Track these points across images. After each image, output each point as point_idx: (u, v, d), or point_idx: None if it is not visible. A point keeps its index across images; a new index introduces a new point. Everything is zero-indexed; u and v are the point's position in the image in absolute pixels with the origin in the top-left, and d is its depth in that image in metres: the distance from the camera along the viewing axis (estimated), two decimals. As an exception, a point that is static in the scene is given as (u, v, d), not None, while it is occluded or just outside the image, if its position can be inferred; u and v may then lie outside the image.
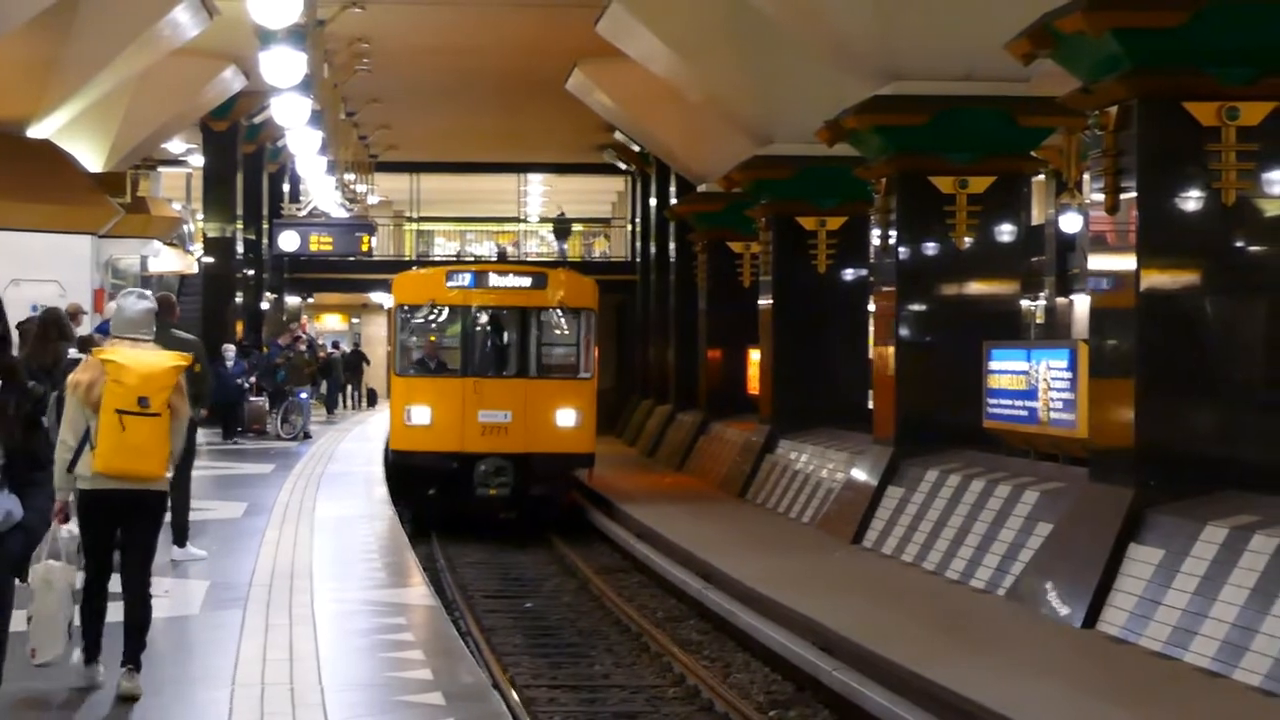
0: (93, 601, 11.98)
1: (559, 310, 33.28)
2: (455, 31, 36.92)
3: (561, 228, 70.91)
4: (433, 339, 34.11)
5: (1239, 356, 18.46)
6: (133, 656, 11.73)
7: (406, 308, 33.45)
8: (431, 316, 33.87)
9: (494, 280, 32.99)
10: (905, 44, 24.50)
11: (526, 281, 33.34)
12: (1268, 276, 18.42)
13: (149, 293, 13.14)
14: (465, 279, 33.04)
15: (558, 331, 34.11)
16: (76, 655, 11.74)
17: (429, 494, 31.76)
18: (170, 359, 12.08)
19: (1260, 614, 15.25)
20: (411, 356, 33.45)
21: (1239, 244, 18.28)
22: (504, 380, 32.31)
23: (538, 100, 44.50)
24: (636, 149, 53.73)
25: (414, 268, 49.12)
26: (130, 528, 11.93)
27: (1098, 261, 19.97)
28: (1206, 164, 17.95)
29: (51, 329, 15.47)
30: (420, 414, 31.84)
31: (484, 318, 32.74)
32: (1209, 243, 18.27)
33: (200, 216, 52.67)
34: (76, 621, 11.60)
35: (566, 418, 32.21)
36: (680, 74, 33.41)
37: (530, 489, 31.78)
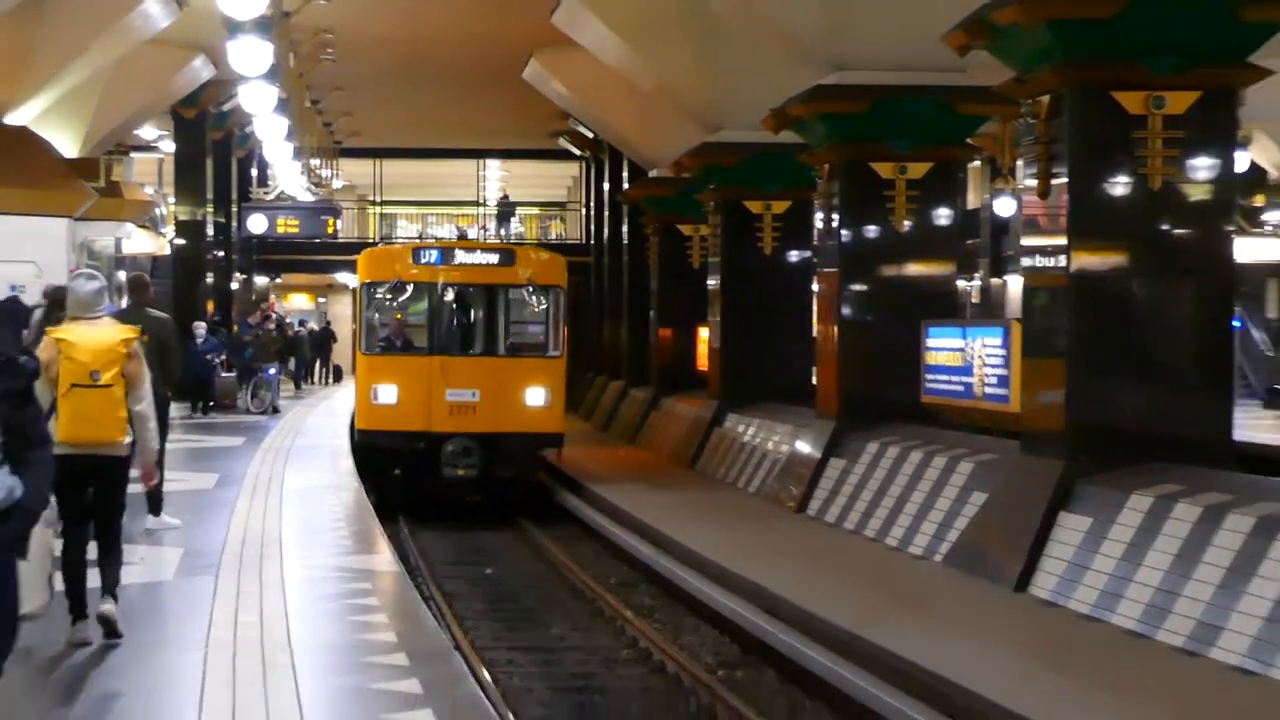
0: (72, 562, 12.21)
1: (528, 288, 31.03)
2: (416, 22, 36.87)
3: (504, 211, 70.60)
4: (399, 317, 31.76)
5: (1165, 336, 18.57)
6: (109, 588, 12.34)
7: (372, 285, 31.00)
8: (398, 294, 31.21)
9: (461, 257, 30.77)
10: (848, 35, 24.56)
11: (494, 258, 31.43)
12: (1193, 260, 18.54)
13: (98, 274, 13.63)
14: (432, 255, 30.80)
15: (526, 309, 31.86)
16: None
17: (394, 474, 29.78)
18: (119, 333, 12.62)
19: (1182, 578, 15.38)
20: (378, 335, 31.24)
21: (1165, 228, 18.38)
22: (471, 359, 30.18)
23: (496, 88, 44.44)
24: (590, 136, 53.69)
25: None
26: (98, 490, 12.21)
27: (1030, 244, 20.05)
28: (1134, 151, 18.04)
29: (55, 307, 15.69)
30: (386, 393, 29.76)
31: (451, 295, 30.32)
32: (1136, 227, 18.37)
33: (171, 200, 52.50)
34: (59, 585, 11.74)
35: (535, 397, 30.03)
36: (632, 64, 33.41)
37: (498, 470, 29.68)
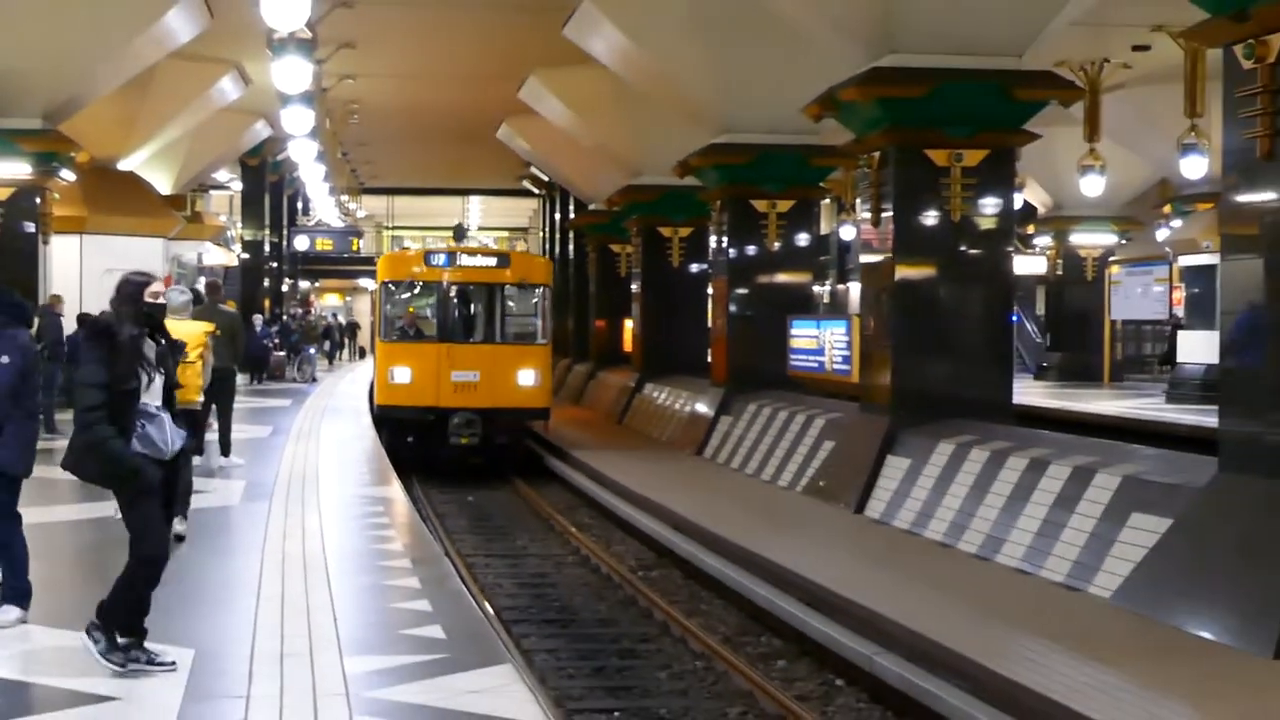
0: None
1: (520, 286, 28.35)
2: (420, 96, 36.72)
3: (459, 232, 70.40)
4: (412, 310, 29.24)
5: (963, 327, 18.61)
6: (182, 511, 12.33)
7: (390, 283, 28.46)
8: (411, 290, 29.13)
9: (465, 260, 27.88)
10: (734, 105, 24.56)
11: (493, 261, 28.36)
12: (982, 271, 18.60)
13: (187, 289, 15.16)
14: (441, 258, 27.81)
15: (519, 304, 28.95)
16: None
17: (408, 441, 27.13)
18: (201, 328, 14.35)
19: (976, 503, 15.44)
20: (394, 325, 28.42)
21: (963, 248, 18.41)
22: (473, 345, 27.31)
23: (477, 144, 44.22)
24: (546, 179, 53.46)
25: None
26: (185, 430, 12.24)
27: (866, 260, 20.09)
28: (940, 193, 18.08)
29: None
30: (402, 374, 27.10)
31: (456, 292, 27.64)
32: (942, 248, 18.40)
33: (239, 225, 52.29)
34: None
35: (526, 377, 27.30)
36: (577, 128, 33.42)
37: (495, 439, 27.15)
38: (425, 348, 27.40)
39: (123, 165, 33.12)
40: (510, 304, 28.54)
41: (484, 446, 27.06)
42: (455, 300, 27.71)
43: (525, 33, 27.17)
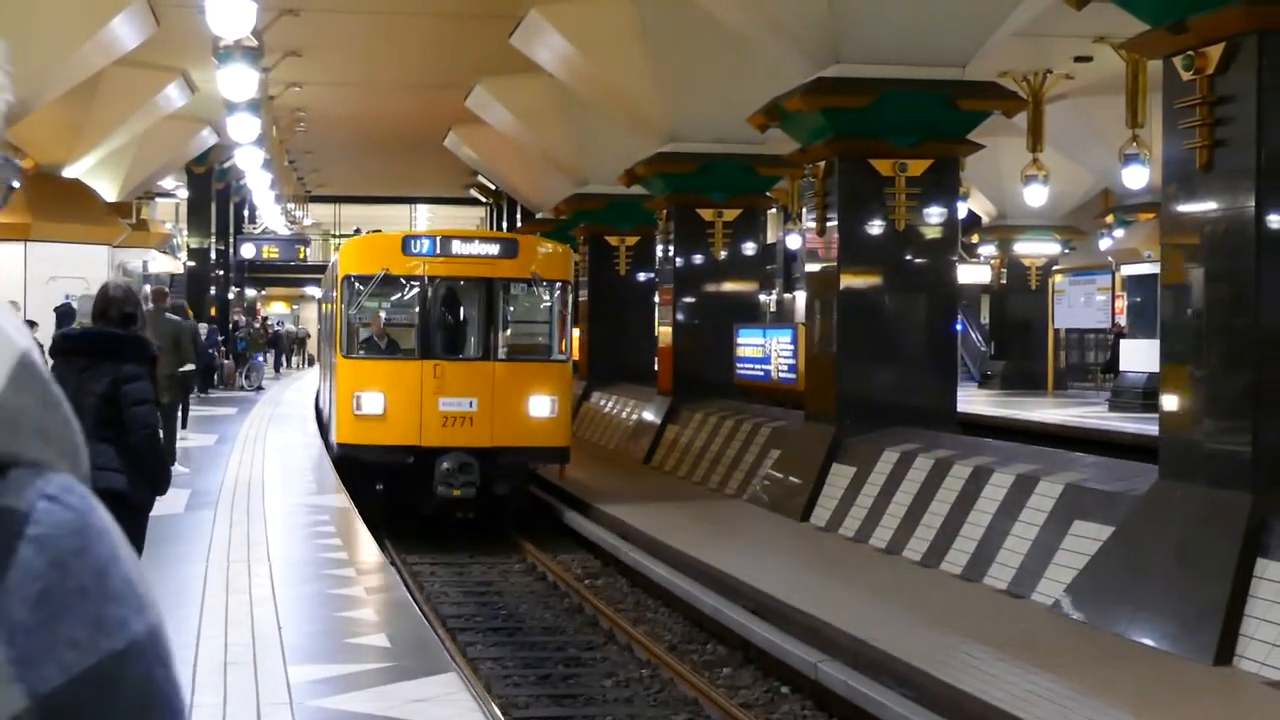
0: None
1: (531, 282, 21.14)
2: (366, 103, 36.64)
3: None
4: (381, 315, 21.64)
5: (907, 335, 18.68)
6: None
7: (355, 279, 20.70)
8: (385, 289, 21.33)
9: (458, 248, 20.84)
10: (679, 114, 24.60)
11: (494, 249, 21.05)
12: (927, 280, 18.65)
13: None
14: (424, 245, 20.72)
15: (529, 307, 21.94)
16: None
17: (377, 489, 20.82)
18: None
19: (920, 511, 15.49)
20: (360, 336, 21.09)
21: (907, 257, 18.47)
22: (468, 363, 20.43)
23: (424, 152, 44.16)
24: (493, 187, 53.48)
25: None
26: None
27: (811, 269, 20.13)
28: (885, 202, 18.14)
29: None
30: (371, 402, 19.97)
31: (445, 291, 20.92)
32: (886, 256, 18.46)
33: (185, 233, 52.06)
34: None
35: (539, 406, 20.38)
36: (523, 136, 33.39)
37: (496, 488, 20.40)
38: (403, 367, 20.48)
39: (68, 172, 32.95)
40: (517, 307, 21.83)
41: (481, 498, 20.32)
42: (443, 302, 21.08)
43: (472, 41, 27.15)
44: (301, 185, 59.14)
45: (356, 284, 20.73)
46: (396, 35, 28.01)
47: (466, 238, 21.48)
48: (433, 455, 19.80)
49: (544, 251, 21.61)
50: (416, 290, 20.68)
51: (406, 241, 21.11)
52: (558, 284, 21.21)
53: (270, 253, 63.34)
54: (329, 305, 23.67)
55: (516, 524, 21.17)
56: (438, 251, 20.68)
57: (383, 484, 21.10)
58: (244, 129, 28.32)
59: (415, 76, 32.29)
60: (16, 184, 1.30)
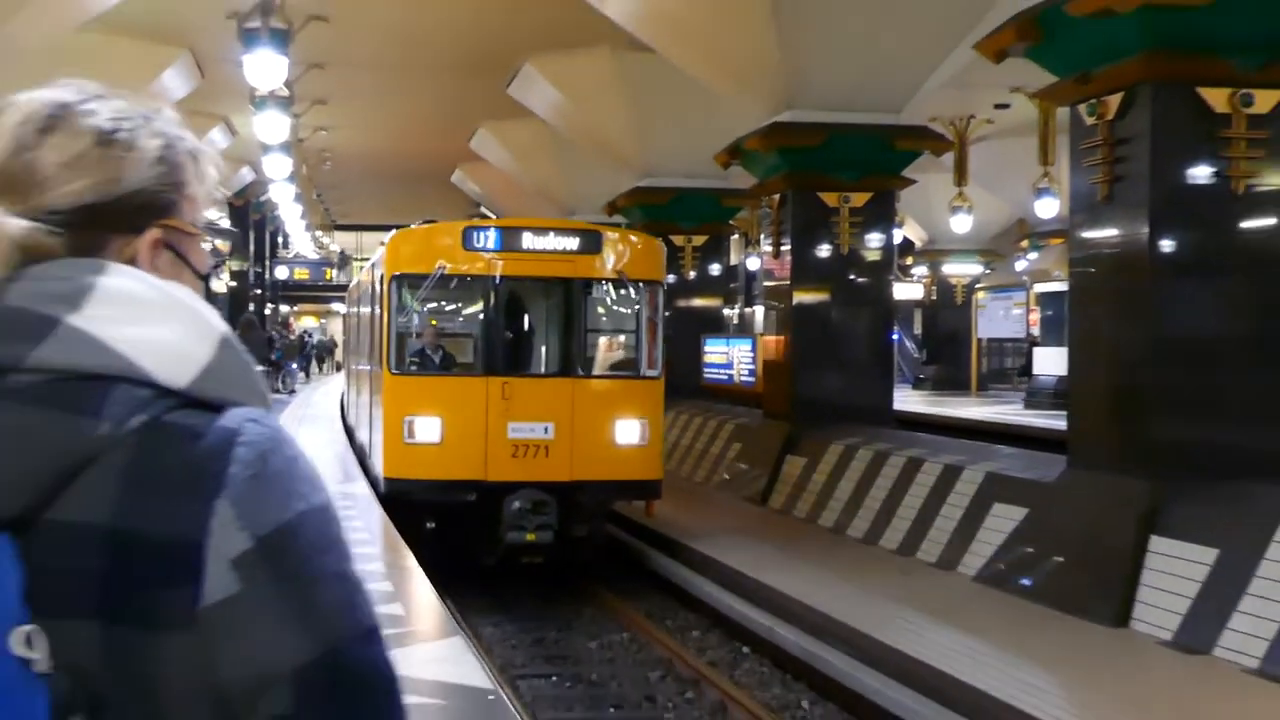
0: None
1: (616, 283, 15.50)
2: (383, 144, 36.58)
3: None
4: (435, 323, 15.90)
5: (852, 344, 18.69)
6: None
7: (406, 279, 15.07)
8: (442, 290, 15.31)
9: (530, 241, 15.01)
10: (653, 153, 24.61)
11: (574, 242, 15.27)
12: (867, 296, 18.66)
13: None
14: (490, 238, 14.92)
15: (614, 313, 16.21)
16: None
17: (429, 527, 14.90)
18: None
19: (862, 495, 15.52)
20: (410, 348, 15.38)
21: (851, 276, 18.46)
22: (542, 380, 15.05)
23: (434, 187, 44.06)
24: (494, 217, 53.37)
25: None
26: None
27: (768, 286, 20.16)
28: (832, 229, 18.16)
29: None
30: (426, 428, 14.62)
31: (512, 292, 15.20)
32: (833, 275, 18.48)
33: (228, 258, 52.02)
34: None
35: (628, 432, 15.14)
36: (519, 173, 33.34)
37: (575, 529, 14.88)
38: (464, 385, 14.93)
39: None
40: (602, 312, 16.10)
41: (558, 542, 14.59)
42: (512, 306, 15.47)
43: (474, 90, 27.06)
44: (328, 215, 59.00)
45: (407, 285, 15.01)
46: (410, 85, 27.91)
47: (540, 229, 15.29)
48: (500, 492, 14.25)
49: (632, 246, 15.64)
50: (480, 292, 15.00)
51: (468, 234, 14.99)
52: (648, 284, 15.58)
53: (300, 274, 63.21)
54: (368, 310, 18.47)
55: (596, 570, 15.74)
56: (506, 246, 14.90)
57: (434, 523, 14.96)
58: (278, 167, 28.29)
59: (425, 121, 32.20)
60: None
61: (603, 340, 15.91)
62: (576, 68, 23.93)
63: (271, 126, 23.10)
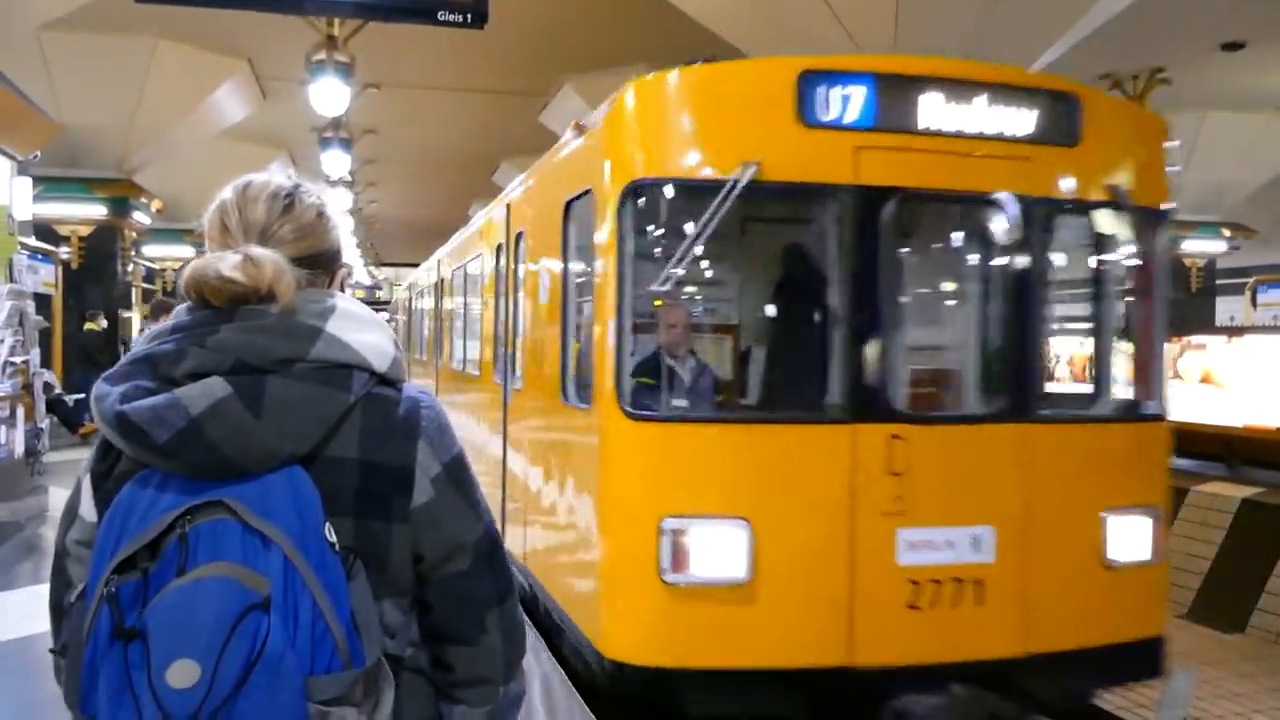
0: None
1: (1116, 207, 5.33)
2: (417, 207, 40.34)
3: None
4: (692, 298, 6.77)
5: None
6: None
7: (653, 193, 4.91)
8: (730, 225, 4.63)
9: (939, 116, 4.89)
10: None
11: (1027, 122, 5.17)
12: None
13: None
14: (856, 100, 4.80)
15: (1096, 277, 5.79)
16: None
17: None
18: None
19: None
20: (644, 356, 5.61)
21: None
22: (977, 429, 5.30)
23: (455, 224, 40.42)
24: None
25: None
26: None
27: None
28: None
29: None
30: (716, 550, 4.74)
31: (909, 231, 5.03)
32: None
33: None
34: None
35: (1128, 537, 5.49)
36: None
37: None
38: (797, 442, 5.60)
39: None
40: (1069, 279, 6.44)
41: None
42: (899, 265, 5.94)
43: (474, 179, 30.47)
44: (372, 249, 64.02)
45: (655, 209, 5.73)
46: (430, 174, 31.96)
47: (960, 83, 5.81)
48: (883, 689, 5.63)
49: (1128, 128, 6.42)
50: (831, 226, 5.80)
51: (808, 86, 5.59)
52: (1155, 214, 6.42)
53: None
54: (477, 301, 11.21)
55: None
56: (891, 122, 5.70)
57: None
58: (340, 200, 28.88)
59: (446, 190, 35.50)
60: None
61: (1069, 344, 8.64)
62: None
63: (340, 201, 28.04)
